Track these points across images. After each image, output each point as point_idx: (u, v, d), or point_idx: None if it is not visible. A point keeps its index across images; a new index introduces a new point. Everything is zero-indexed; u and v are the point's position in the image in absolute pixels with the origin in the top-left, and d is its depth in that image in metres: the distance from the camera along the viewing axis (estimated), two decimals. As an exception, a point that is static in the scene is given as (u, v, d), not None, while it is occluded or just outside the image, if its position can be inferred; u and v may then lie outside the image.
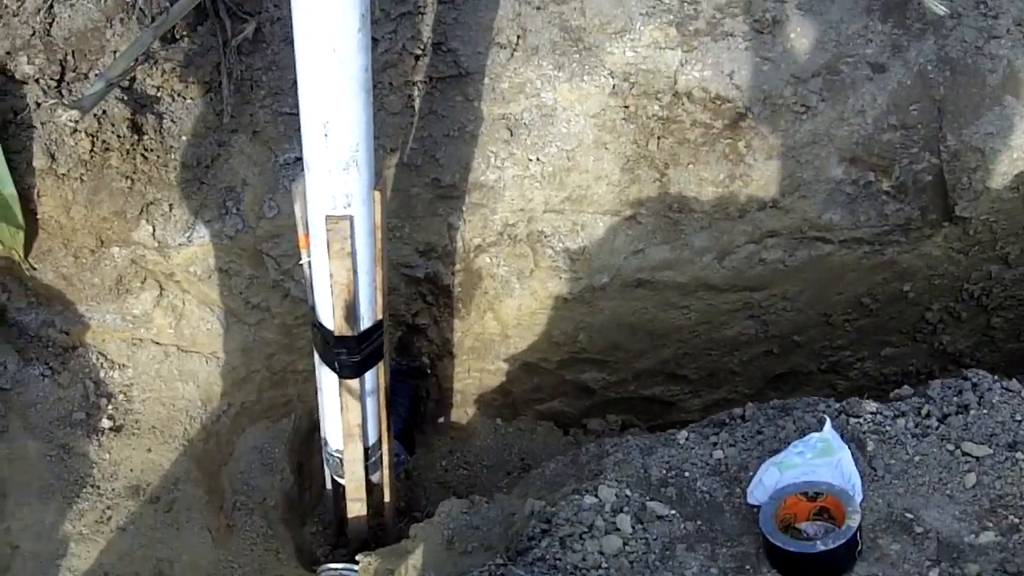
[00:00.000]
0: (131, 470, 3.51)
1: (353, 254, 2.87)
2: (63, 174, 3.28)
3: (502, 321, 3.81)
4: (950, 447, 2.75)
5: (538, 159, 3.43)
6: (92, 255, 3.47)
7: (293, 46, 2.59)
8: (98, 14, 3.20)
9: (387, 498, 3.62)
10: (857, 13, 3.33)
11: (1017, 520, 2.57)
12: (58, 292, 3.54)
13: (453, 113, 3.40)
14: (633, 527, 2.65)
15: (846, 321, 3.82)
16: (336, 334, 3.03)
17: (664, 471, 2.85)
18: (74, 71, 3.21)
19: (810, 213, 3.50)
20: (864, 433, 2.82)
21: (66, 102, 3.17)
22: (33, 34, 3.16)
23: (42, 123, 3.23)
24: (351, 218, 2.82)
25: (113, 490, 3.46)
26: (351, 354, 3.07)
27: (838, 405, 2.96)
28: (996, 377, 2.92)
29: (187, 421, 3.62)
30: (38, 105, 3.21)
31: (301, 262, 3.05)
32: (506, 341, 3.90)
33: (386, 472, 3.53)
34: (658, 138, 3.41)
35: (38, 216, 3.38)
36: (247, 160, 3.38)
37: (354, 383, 3.15)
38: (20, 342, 3.58)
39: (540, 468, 3.31)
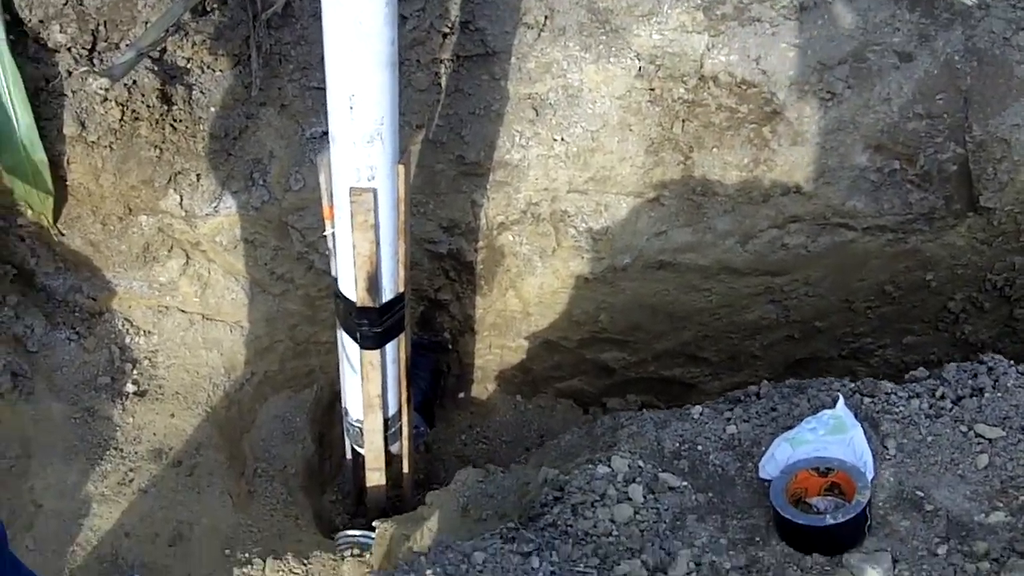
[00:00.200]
0: (154, 434, 3.56)
1: (376, 226, 2.90)
2: (93, 142, 3.33)
3: (524, 299, 3.82)
4: (963, 428, 2.74)
5: (563, 139, 3.44)
6: (120, 222, 3.53)
7: (321, 21, 2.62)
8: (131, -16, 3.24)
9: (406, 469, 3.65)
10: (885, 2, 3.32)
11: (1028, 501, 2.57)
12: (86, 258, 3.60)
13: (479, 91, 3.42)
14: (645, 497, 2.66)
15: (868, 308, 3.81)
16: (358, 305, 3.06)
17: (677, 444, 2.87)
18: (105, 40, 3.25)
19: (834, 200, 3.50)
20: (878, 412, 2.82)
21: (97, 71, 3.21)
22: (66, 3, 3.19)
23: (73, 91, 3.27)
24: (375, 191, 2.85)
25: (136, 453, 3.52)
26: (372, 325, 3.10)
27: (853, 385, 2.96)
28: (1012, 362, 2.91)
29: (210, 388, 3.68)
30: (69, 73, 3.25)
31: (325, 233, 3.08)
32: (527, 319, 3.91)
33: (405, 444, 3.56)
34: (683, 121, 3.41)
35: (67, 183, 3.44)
36: (274, 133, 3.41)
37: (375, 354, 3.17)
38: (48, 306, 3.64)
39: (556, 440, 3.33)
